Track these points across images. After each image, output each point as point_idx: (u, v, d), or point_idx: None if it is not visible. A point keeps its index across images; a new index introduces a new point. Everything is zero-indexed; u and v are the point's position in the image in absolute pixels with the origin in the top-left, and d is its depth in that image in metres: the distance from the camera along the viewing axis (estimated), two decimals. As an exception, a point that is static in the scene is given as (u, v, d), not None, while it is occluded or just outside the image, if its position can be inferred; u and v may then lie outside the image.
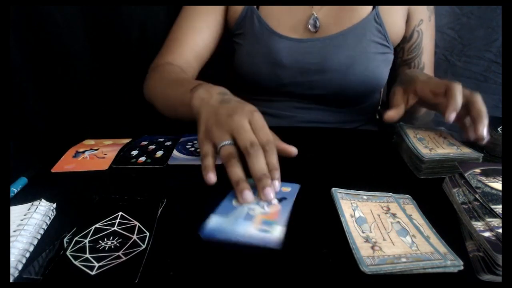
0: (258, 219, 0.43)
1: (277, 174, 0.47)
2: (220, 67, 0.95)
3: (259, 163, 0.46)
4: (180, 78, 0.69)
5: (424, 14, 0.79)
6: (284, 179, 0.50)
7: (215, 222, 0.42)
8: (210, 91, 0.54)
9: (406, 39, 0.80)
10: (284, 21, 0.76)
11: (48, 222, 0.44)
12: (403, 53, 0.82)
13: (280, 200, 0.47)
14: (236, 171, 0.46)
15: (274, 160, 0.47)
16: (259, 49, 0.77)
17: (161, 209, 0.46)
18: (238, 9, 0.78)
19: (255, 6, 0.77)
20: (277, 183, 0.47)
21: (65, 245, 0.39)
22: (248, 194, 0.45)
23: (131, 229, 0.42)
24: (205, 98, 0.53)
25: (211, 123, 0.50)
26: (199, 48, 0.78)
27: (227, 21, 0.81)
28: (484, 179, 0.48)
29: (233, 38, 0.82)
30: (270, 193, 0.45)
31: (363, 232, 0.42)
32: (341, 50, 0.75)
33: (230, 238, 0.40)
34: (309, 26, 0.75)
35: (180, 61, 0.76)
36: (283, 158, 0.59)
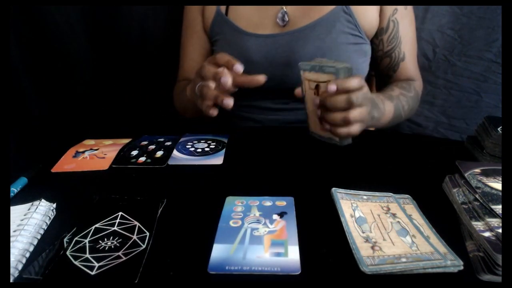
0: (266, 241, 0.40)
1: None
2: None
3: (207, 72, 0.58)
4: (185, 87, 0.78)
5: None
6: (279, 190, 0.50)
7: (220, 253, 0.38)
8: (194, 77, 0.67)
9: (383, 30, 0.79)
10: (253, 19, 0.77)
11: (48, 222, 0.44)
12: (383, 44, 0.81)
13: (281, 215, 0.45)
14: (209, 91, 0.58)
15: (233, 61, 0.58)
16: (230, 51, 0.77)
17: (161, 209, 0.46)
18: (209, 18, 0.81)
19: (223, 12, 0.79)
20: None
21: (65, 245, 0.39)
22: (229, 100, 0.57)
23: (131, 229, 0.42)
24: (191, 82, 0.66)
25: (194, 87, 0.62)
26: (195, 67, 0.84)
27: (203, 27, 0.84)
28: (484, 179, 0.48)
29: (212, 45, 0.85)
30: (227, 79, 0.56)
31: (363, 232, 0.42)
32: (309, 42, 0.75)
33: (242, 269, 0.36)
34: (278, 20, 0.76)
35: (192, 73, 0.84)
36: (279, 169, 0.59)
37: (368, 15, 0.76)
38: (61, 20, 0.90)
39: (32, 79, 0.94)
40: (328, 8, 0.75)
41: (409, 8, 0.80)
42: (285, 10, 0.76)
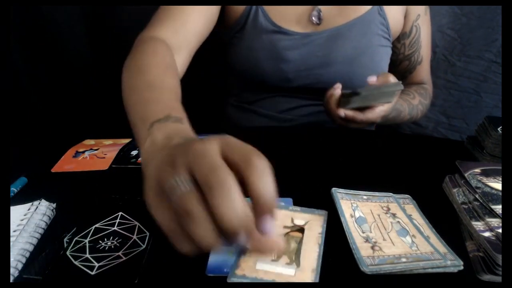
0: None
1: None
2: (217, 69, 0.95)
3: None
4: (157, 85, 0.49)
5: (420, 9, 0.80)
6: (279, 190, 0.49)
7: (218, 255, 0.38)
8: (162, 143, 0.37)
9: (406, 34, 0.82)
10: (287, 14, 0.76)
11: (48, 222, 0.44)
12: (404, 48, 0.83)
13: None
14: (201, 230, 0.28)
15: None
16: (262, 44, 0.76)
17: (161, 209, 0.46)
18: (240, 6, 0.77)
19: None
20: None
21: (65, 245, 0.39)
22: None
23: (131, 229, 0.42)
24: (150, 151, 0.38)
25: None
26: (195, 28, 0.68)
27: (226, 17, 0.79)
28: (484, 179, 0.48)
29: (233, 34, 0.80)
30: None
31: (363, 232, 0.42)
32: (346, 42, 0.75)
33: None
34: (313, 18, 0.75)
35: (175, 39, 0.64)
36: (279, 169, 0.59)
37: (396, 18, 0.78)
38: (61, 20, 0.90)
39: (32, 79, 0.94)
40: (364, 9, 0.75)
41: (428, 14, 0.83)
42: (319, 8, 0.75)
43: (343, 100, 0.64)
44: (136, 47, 0.61)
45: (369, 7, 0.75)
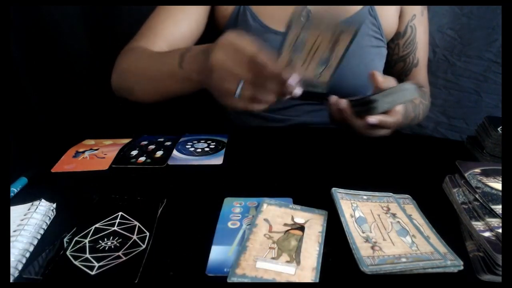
0: None
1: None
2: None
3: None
4: (160, 52, 0.66)
5: (416, 9, 0.80)
6: (279, 190, 0.50)
7: (218, 255, 0.38)
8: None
9: (400, 34, 0.81)
10: (276, 16, 0.76)
11: (48, 222, 0.44)
12: (398, 49, 0.82)
13: None
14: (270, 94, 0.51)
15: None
16: None
17: (161, 209, 0.46)
18: (229, 7, 0.78)
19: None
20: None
21: (65, 245, 0.39)
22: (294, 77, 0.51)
23: (131, 229, 0.42)
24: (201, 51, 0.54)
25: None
26: (175, 40, 0.74)
27: (216, 20, 0.80)
28: (484, 179, 0.48)
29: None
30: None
31: (363, 232, 0.42)
32: None
33: None
34: (302, 19, 0.75)
35: (151, 47, 0.72)
36: (279, 169, 0.59)
37: (389, 18, 0.77)
38: (61, 20, 0.90)
39: (32, 79, 0.94)
40: (353, 10, 0.74)
41: (425, 15, 0.82)
42: (309, 9, 0.75)
43: (358, 110, 0.58)
44: (120, 58, 0.73)
45: (359, 8, 0.74)
